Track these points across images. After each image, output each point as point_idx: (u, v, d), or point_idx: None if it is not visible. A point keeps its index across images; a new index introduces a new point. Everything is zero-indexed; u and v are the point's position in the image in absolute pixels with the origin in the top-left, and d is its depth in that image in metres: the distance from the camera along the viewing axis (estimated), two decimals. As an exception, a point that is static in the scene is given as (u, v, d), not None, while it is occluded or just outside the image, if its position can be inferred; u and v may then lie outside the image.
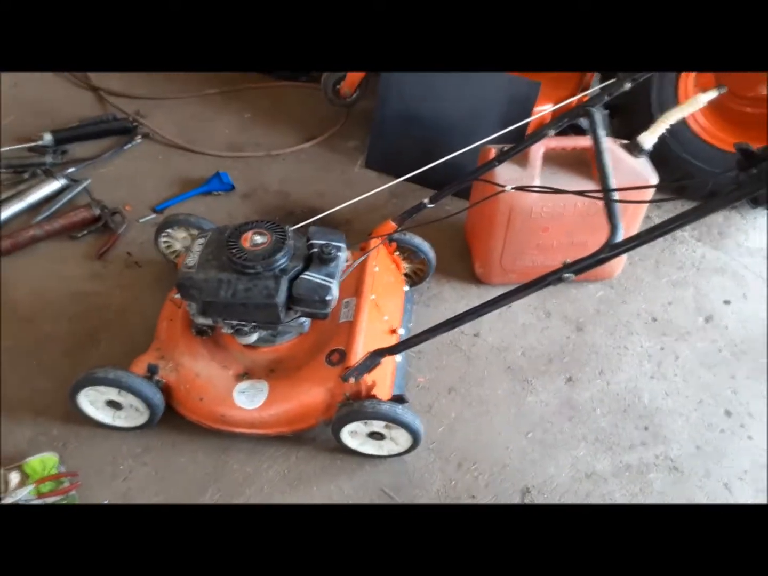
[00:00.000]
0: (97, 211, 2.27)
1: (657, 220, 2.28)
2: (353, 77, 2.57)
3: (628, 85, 1.53)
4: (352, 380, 1.55)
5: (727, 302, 2.11)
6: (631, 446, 1.75)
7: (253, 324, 1.58)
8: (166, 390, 1.66)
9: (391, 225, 1.90)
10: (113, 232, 2.24)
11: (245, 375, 1.69)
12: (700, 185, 2.14)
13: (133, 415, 1.69)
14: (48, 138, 2.54)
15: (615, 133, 2.29)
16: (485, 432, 1.78)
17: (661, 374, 1.92)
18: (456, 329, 1.53)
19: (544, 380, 1.90)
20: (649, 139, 1.82)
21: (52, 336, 1.94)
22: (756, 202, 1.05)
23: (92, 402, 1.68)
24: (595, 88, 1.58)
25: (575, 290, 2.12)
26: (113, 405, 1.67)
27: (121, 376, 1.59)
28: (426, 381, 1.89)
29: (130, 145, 2.62)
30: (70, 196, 2.36)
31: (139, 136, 2.65)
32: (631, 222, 1.95)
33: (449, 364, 1.93)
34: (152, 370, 1.65)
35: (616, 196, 1.33)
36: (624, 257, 2.13)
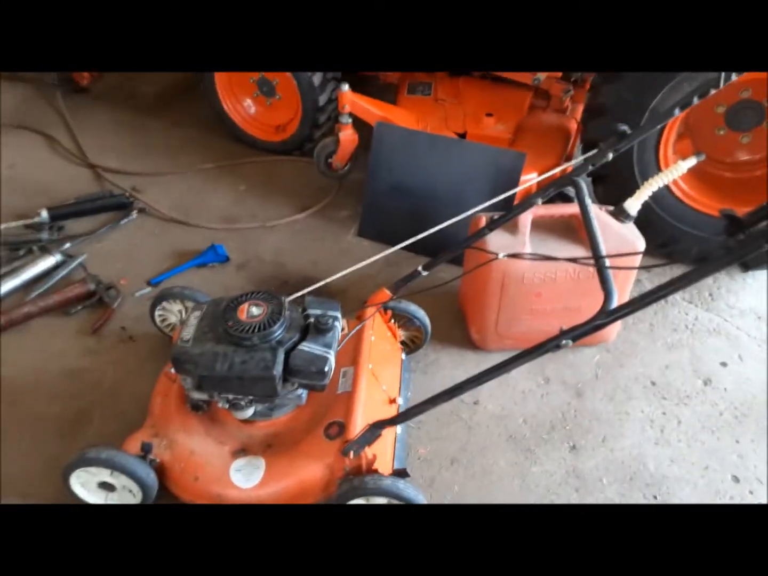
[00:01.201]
0: (91, 286, 2.27)
1: (647, 283, 2.36)
2: (344, 151, 2.66)
3: (610, 156, 1.59)
4: (352, 454, 1.52)
5: (723, 364, 2.11)
6: (641, 518, 1.70)
7: (250, 398, 1.56)
8: (159, 469, 1.61)
9: (386, 293, 1.91)
10: (108, 306, 2.24)
11: (242, 451, 1.64)
12: (688, 250, 2.18)
13: (125, 497, 1.63)
14: (44, 215, 2.57)
15: (600, 200, 2.36)
16: (490, 506, 1.73)
17: (665, 440, 1.89)
18: (455, 397, 1.51)
19: (547, 449, 1.86)
20: (634, 205, 1.87)
21: (44, 415, 1.90)
22: (746, 267, 1.07)
23: (84, 484, 1.62)
24: (579, 159, 1.64)
25: (572, 355, 2.12)
26: (106, 487, 1.62)
27: (114, 455, 1.55)
28: (427, 452, 1.84)
29: (126, 221, 2.66)
30: (65, 272, 2.37)
31: (135, 211, 2.70)
32: (623, 286, 1.97)
33: (450, 433, 1.90)
34: (146, 449, 1.60)
35: (608, 262, 1.35)
36: (619, 321, 2.14)
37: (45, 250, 2.42)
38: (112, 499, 1.65)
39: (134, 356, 2.10)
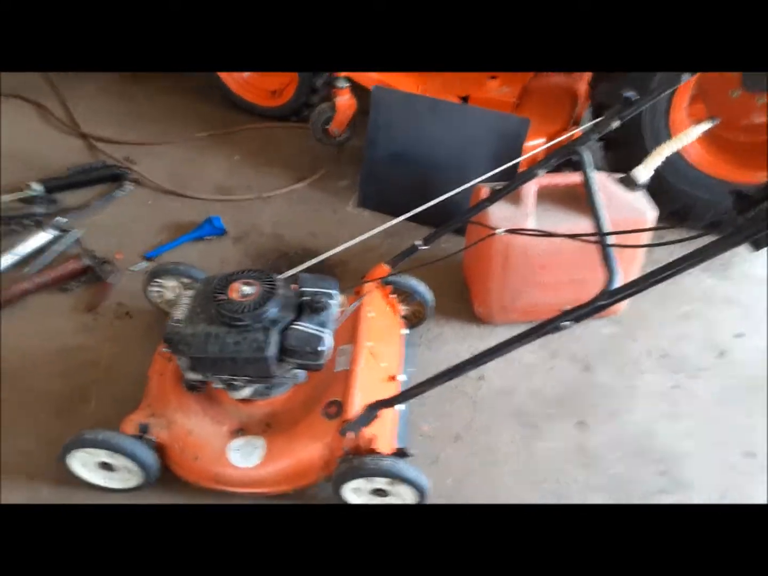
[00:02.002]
0: (87, 262, 2.22)
1: (662, 251, 2.26)
2: (342, 117, 2.56)
3: (615, 124, 1.50)
4: (350, 434, 1.48)
5: (739, 335, 2.03)
6: (651, 494, 1.66)
7: (245, 378, 1.52)
8: (159, 449, 1.59)
9: (385, 268, 1.85)
10: (104, 282, 2.20)
11: (240, 431, 1.62)
12: (703, 218, 2.09)
13: (126, 476, 1.62)
14: (37, 188, 2.51)
15: (610, 166, 2.26)
16: (496, 484, 1.69)
17: (676, 414, 1.83)
18: (455, 378, 1.46)
19: (553, 425, 1.82)
20: (643, 173, 1.79)
21: (43, 394, 1.88)
22: (757, 245, 0.99)
23: (83, 464, 1.61)
24: (584, 126, 1.54)
25: (580, 328, 2.05)
26: (105, 467, 1.60)
27: (111, 437, 1.53)
28: (431, 429, 1.81)
29: (120, 192, 2.59)
30: (61, 247, 2.32)
31: (130, 183, 2.63)
32: (631, 260, 1.89)
33: (454, 409, 1.86)
34: (143, 429, 1.58)
35: (612, 239, 1.27)
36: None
37: (39, 225, 2.37)
38: (112, 478, 1.64)
39: (131, 333, 2.06)
